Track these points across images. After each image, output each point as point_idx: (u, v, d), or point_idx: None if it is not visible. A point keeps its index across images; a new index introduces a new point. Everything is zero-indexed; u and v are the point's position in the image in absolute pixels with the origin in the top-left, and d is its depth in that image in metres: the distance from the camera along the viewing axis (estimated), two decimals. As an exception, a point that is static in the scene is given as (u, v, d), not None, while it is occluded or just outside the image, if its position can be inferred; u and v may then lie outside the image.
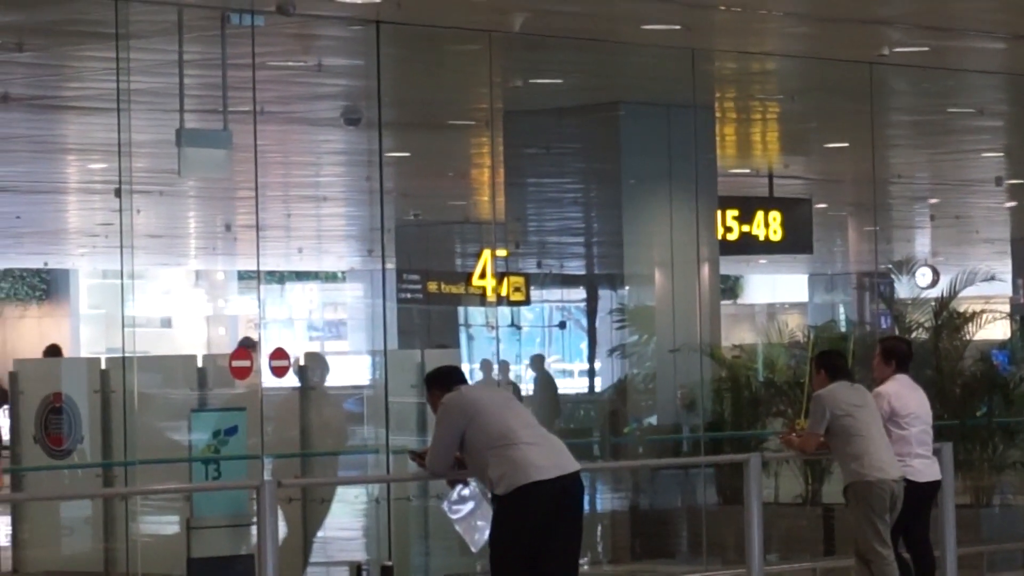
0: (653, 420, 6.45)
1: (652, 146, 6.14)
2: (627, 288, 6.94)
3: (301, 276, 12.32)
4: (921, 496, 4.16)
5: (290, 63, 5.45)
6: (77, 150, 7.67)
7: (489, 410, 3.41)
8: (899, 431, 4.17)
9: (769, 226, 7.40)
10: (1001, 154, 8.48)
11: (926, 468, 4.21)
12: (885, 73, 5.87)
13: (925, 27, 4.99)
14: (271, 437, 5.46)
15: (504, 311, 7.89)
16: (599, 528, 5.77)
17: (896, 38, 5.39)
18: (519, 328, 8.70)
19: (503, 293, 7.40)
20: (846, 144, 7.99)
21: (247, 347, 5.85)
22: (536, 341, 9.62)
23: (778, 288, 13.13)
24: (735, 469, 4.74)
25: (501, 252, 7.11)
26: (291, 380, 6.08)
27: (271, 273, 8.75)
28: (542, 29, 4.99)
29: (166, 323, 11.69)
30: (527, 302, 8.07)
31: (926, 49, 5.49)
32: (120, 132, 5.14)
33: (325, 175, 8.66)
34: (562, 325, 9.81)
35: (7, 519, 6.13)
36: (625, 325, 6.82)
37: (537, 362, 8.53)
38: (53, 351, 8.61)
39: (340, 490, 6.07)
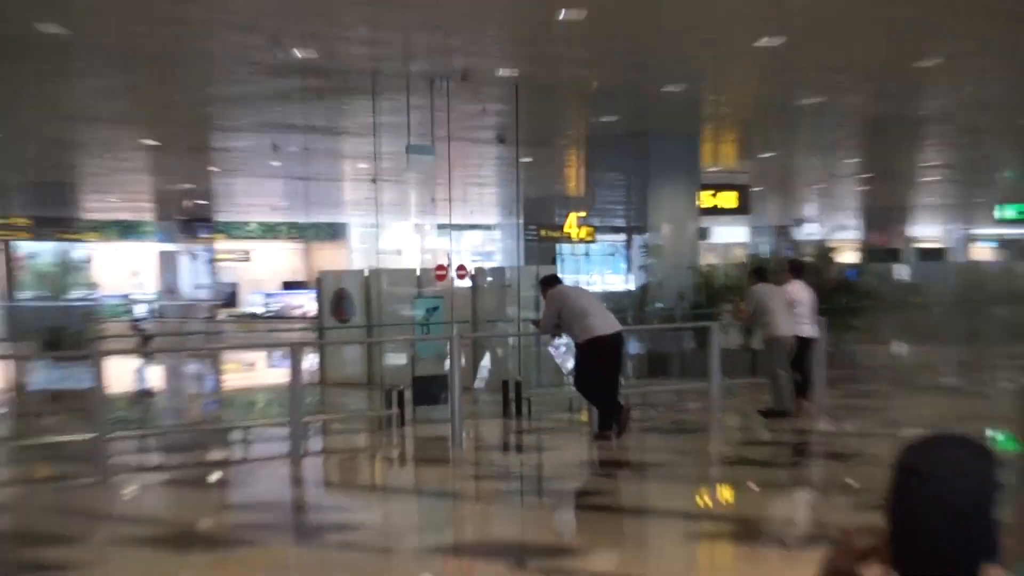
0: (661, 304, 8.65)
1: (666, 157, 8.84)
2: (648, 234, 9.20)
3: (472, 227, 19.55)
4: (806, 345, 6.36)
5: (468, 107, 7.59)
6: (351, 156, 10.52)
7: (572, 297, 5.72)
8: (795, 310, 6.33)
9: (726, 199, 10.25)
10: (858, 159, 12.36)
11: (810, 330, 6.39)
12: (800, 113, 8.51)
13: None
14: (457, 312, 7.71)
15: (580, 247, 11.94)
16: (630, 361, 7.48)
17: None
18: (588, 256, 12.95)
19: (581, 237, 10.78)
20: (774, 153, 11.21)
21: (442, 265, 8.29)
22: (598, 263, 14.04)
23: (732, 235, 20.04)
24: (705, 330, 6.94)
25: (581, 213, 10.53)
26: (467, 283, 8.55)
27: (455, 225, 12.54)
28: (606, 84, 7.56)
29: (398, 252, 16.53)
30: (593, 242, 11.65)
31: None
32: (375, 146, 7.93)
33: (485, 171, 11.57)
34: (613, 255, 13.88)
35: (317, 356, 8.77)
36: (647, 253, 9.18)
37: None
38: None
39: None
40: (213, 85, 7.46)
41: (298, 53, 6.09)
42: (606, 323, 5.46)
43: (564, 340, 6.80)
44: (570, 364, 7.17)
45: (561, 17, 5.30)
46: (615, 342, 5.45)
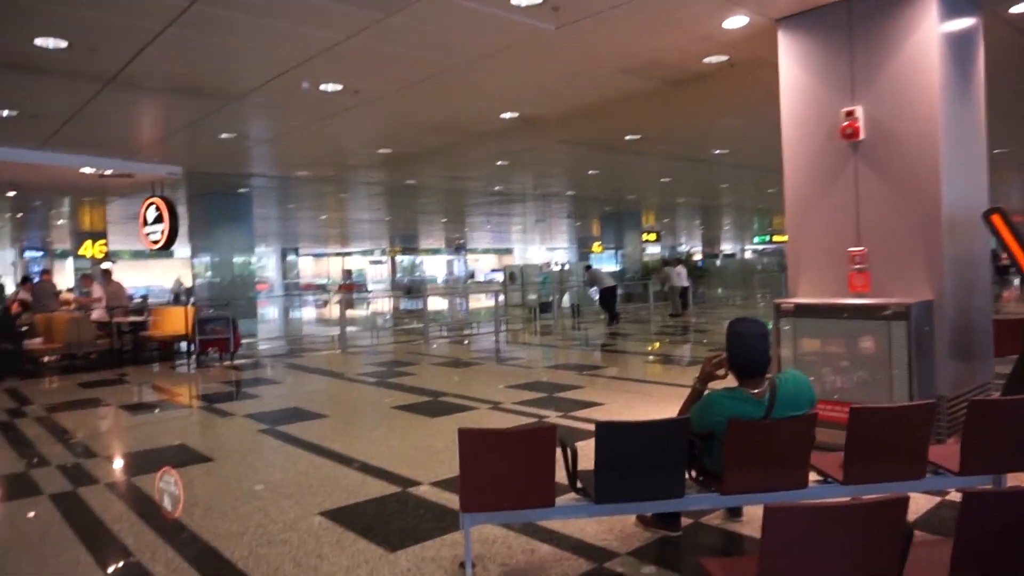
0: (630, 274, 23.24)
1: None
2: (624, 249, 23.71)
3: (555, 248, 31.25)
4: (685, 290, 20.28)
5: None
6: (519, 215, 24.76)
7: (598, 272, 19.88)
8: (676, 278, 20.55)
9: (653, 238, 24.11)
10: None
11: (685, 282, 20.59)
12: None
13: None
14: (553, 279, 21.90)
15: (596, 255, 25.53)
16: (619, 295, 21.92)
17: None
18: (598, 257, 26.56)
19: (598, 251, 24.36)
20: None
21: (547, 262, 22.38)
22: (604, 260, 27.38)
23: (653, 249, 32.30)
24: (645, 284, 21.35)
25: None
26: (555, 269, 23.02)
27: (551, 248, 26.41)
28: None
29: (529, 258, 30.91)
30: (601, 251, 25.10)
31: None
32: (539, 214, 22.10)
33: (562, 228, 25.68)
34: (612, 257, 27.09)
35: (502, 296, 23.22)
36: (625, 257, 23.59)
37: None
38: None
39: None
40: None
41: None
42: (611, 281, 18.70)
43: (595, 289, 19.81)
44: (596, 298, 20.27)
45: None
46: (613, 288, 18.65)
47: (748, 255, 48.87)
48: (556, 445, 3.45)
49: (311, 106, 8.79)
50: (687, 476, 3.64)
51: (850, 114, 5.88)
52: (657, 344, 13.68)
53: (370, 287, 42.72)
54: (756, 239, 42.77)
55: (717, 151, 13.54)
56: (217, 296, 15.71)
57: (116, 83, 7.47)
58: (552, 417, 7.21)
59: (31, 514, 4.83)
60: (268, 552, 4.01)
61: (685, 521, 4.20)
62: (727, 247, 51.38)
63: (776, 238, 39.87)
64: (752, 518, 4.23)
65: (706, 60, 7.53)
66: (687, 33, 6.71)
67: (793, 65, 6.36)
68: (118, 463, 6.16)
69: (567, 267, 22.76)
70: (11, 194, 14.46)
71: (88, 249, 22.04)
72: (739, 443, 3.47)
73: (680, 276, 19.72)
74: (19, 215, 20.13)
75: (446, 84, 8.01)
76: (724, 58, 7.48)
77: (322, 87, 7.94)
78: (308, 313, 28.25)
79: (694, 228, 35.95)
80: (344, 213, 23.72)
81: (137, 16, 5.74)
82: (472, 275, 44.92)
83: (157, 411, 8.71)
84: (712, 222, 32.94)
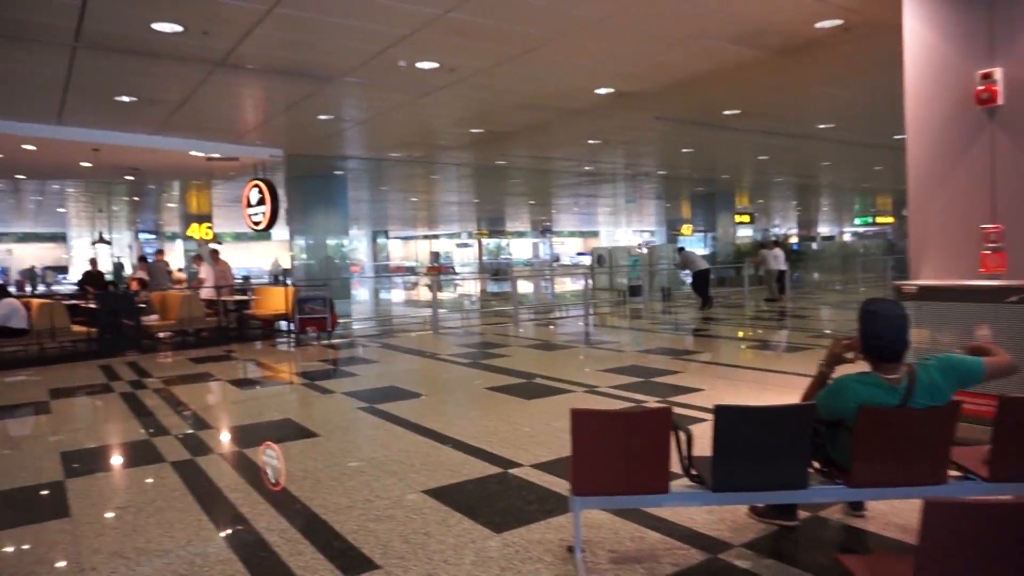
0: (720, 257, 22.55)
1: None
2: (716, 231, 23.05)
3: (643, 231, 31.19)
4: (782, 273, 19.79)
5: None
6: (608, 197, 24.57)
7: (691, 255, 19.28)
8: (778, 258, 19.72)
9: (745, 219, 23.16)
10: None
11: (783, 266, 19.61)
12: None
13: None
14: (643, 261, 21.70)
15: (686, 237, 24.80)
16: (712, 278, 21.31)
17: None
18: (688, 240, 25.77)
19: (688, 233, 23.69)
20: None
21: (640, 244, 21.92)
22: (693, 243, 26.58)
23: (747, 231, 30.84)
24: (739, 267, 20.71)
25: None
26: (645, 251, 22.82)
27: (641, 230, 26.02)
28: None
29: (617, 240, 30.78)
30: (691, 234, 24.39)
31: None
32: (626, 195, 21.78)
33: (651, 216, 25.21)
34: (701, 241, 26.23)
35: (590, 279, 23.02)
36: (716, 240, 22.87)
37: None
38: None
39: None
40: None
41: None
42: (703, 264, 18.11)
43: (686, 272, 19.28)
44: (689, 280, 19.73)
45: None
46: (707, 271, 18.05)
47: (847, 238, 46.73)
48: (671, 428, 3.30)
49: (406, 85, 8.83)
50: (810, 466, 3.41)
51: (987, 76, 5.37)
52: (753, 330, 13.12)
53: (458, 269, 43.29)
54: (857, 220, 40.65)
55: (821, 125, 12.83)
56: (313, 277, 16.19)
57: (224, 66, 7.71)
58: (651, 402, 7.01)
59: (156, 480, 5.07)
60: (377, 527, 4.04)
61: (802, 513, 3.96)
62: (824, 229, 49.21)
63: (879, 219, 37.66)
64: (876, 513, 3.96)
65: (818, 25, 7.08)
66: (802, -5, 6.31)
67: (919, 25, 5.87)
68: (230, 435, 6.41)
69: (656, 249, 22.10)
70: (129, 178, 15.34)
71: (195, 231, 23.23)
72: (870, 432, 3.22)
73: (777, 259, 18.94)
74: (136, 199, 21.38)
75: (542, 59, 7.86)
76: (838, 22, 7.01)
77: (418, 65, 7.95)
78: (397, 295, 28.83)
79: (789, 210, 34.57)
80: (433, 195, 24.01)
81: (245, -1, 5.89)
82: (557, 258, 44.97)
83: (262, 387, 9.04)
84: (810, 203, 31.55)
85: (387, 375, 9.27)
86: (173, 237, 33.00)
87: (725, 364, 9.30)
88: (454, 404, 7.35)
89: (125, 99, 8.93)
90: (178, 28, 6.49)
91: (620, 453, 3.30)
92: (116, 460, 5.70)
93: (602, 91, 9.43)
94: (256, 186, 13.60)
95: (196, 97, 8.92)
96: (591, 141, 13.37)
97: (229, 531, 4.10)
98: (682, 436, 3.47)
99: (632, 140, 13.64)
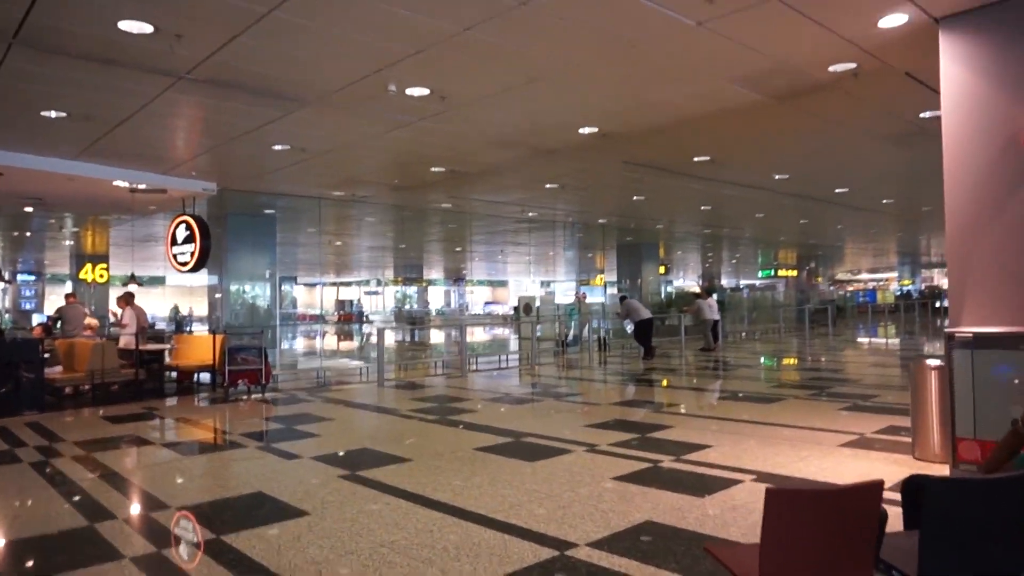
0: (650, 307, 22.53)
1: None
2: (627, 280, 23.06)
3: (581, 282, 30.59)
4: (716, 323, 19.72)
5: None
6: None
7: (633, 304, 19.13)
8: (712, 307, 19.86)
9: (662, 269, 23.37)
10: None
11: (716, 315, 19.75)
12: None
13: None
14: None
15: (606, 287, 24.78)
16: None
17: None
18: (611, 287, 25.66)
19: (600, 284, 23.70)
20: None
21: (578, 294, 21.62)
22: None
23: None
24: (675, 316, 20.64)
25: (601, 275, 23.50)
26: (585, 300, 22.21)
27: (579, 281, 25.67)
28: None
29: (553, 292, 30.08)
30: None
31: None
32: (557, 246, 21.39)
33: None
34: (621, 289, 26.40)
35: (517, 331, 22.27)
36: (627, 289, 22.95)
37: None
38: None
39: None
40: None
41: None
42: (647, 313, 17.90)
43: (628, 320, 19.05)
44: (630, 329, 19.50)
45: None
46: (650, 321, 17.82)
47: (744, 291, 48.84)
48: (880, 506, 2.66)
49: (384, 114, 8.06)
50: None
51: (1041, 119, 5.22)
52: (712, 380, 12.88)
53: (371, 318, 41.81)
54: (760, 273, 42.29)
55: (777, 176, 12.95)
56: (239, 324, 14.74)
57: (186, 80, 6.69)
58: (666, 462, 6.41)
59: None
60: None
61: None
62: (725, 281, 51.05)
63: (782, 272, 39.20)
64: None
65: (832, 68, 6.91)
66: (833, 33, 6.07)
67: (960, 69, 5.73)
68: (195, 516, 5.23)
69: (587, 298, 21.79)
70: (28, 209, 13.49)
71: (88, 273, 20.99)
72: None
73: (712, 308, 19.10)
74: (28, 234, 19.01)
75: (540, 91, 7.34)
76: (851, 66, 6.87)
77: (408, 91, 7.21)
78: (302, 344, 27.21)
79: (696, 262, 35.38)
80: (359, 239, 22.89)
81: (234, -4, 5.00)
82: (467, 307, 44.33)
83: (209, 452, 7.75)
84: (722, 255, 32.48)
85: (352, 435, 8.21)
86: (57, 279, 29.99)
87: (712, 417, 8.83)
88: (449, 469, 6.43)
89: (52, 114, 7.66)
90: (148, 28, 5.49)
91: (821, 541, 2.62)
92: (58, 559, 4.40)
93: (585, 130, 9.00)
94: (184, 222, 12.24)
95: (141, 116, 7.76)
96: (548, 185, 12.92)
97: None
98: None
99: (590, 186, 13.32)
